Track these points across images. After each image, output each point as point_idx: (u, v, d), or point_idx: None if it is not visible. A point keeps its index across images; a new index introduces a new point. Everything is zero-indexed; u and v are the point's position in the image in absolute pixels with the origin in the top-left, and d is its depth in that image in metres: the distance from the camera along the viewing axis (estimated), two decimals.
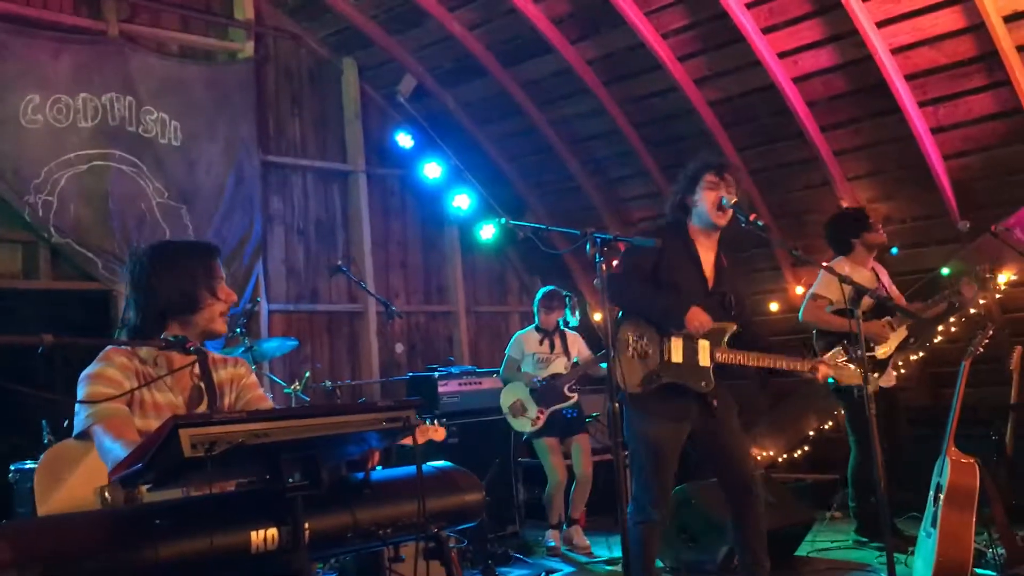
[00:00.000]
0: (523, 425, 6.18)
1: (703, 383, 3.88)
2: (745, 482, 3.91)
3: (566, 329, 6.46)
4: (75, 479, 2.43)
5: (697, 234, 3.99)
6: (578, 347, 6.41)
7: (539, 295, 6.43)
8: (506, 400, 6.28)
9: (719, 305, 3.95)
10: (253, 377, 2.80)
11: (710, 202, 3.90)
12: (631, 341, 3.89)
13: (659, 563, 5.16)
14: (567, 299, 6.44)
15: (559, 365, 6.27)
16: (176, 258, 2.62)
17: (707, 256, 4.01)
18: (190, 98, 6.61)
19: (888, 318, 5.37)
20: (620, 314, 3.98)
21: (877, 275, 5.44)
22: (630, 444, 3.93)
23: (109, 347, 2.54)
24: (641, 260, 3.92)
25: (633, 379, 3.86)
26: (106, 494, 2.02)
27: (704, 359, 3.89)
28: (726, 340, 3.94)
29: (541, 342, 6.33)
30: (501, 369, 6.50)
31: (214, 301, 2.61)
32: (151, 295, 2.56)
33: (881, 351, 5.34)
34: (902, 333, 5.40)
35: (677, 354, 3.88)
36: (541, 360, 6.30)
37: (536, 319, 6.37)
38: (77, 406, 2.42)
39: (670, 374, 3.85)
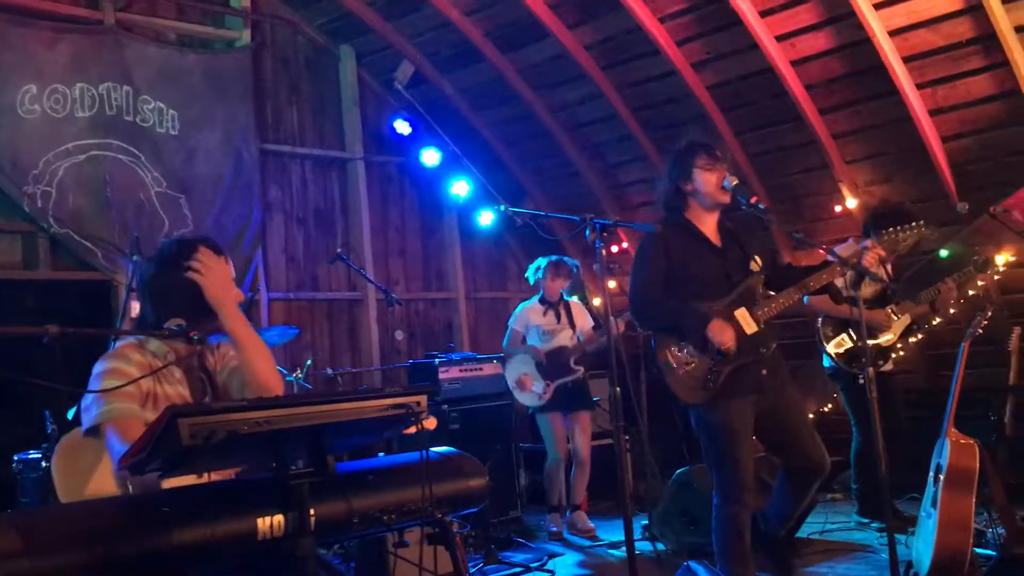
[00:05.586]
0: (530, 399, 6.18)
1: (762, 349, 3.79)
2: (818, 461, 3.81)
3: (569, 299, 6.41)
4: (96, 468, 2.44)
5: (698, 216, 3.93)
6: (582, 319, 6.35)
7: (546, 262, 6.30)
8: (512, 374, 6.26)
9: (739, 264, 3.88)
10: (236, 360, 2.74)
11: (712, 183, 3.84)
12: (673, 357, 3.82)
13: (661, 546, 5.20)
14: (574, 269, 6.38)
15: (565, 337, 6.22)
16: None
17: (710, 230, 3.94)
18: (187, 87, 6.59)
19: (892, 306, 5.39)
20: (652, 338, 3.89)
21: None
22: (703, 438, 3.84)
23: (121, 342, 2.55)
24: (652, 270, 3.86)
25: (694, 392, 3.78)
26: (128, 482, 2.04)
27: (749, 326, 3.79)
28: (760, 295, 3.88)
29: (545, 313, 6.28)
30: (504, 342, 6.44)
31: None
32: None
33: (884, 338, 5.38)
34: (906, 321, 5.43)
35: None
36: (547, 332, 6.25)
37: (541, 289, 6.32)
38: (89, 400, 2.43)
39: (726, 362, 3.74)
